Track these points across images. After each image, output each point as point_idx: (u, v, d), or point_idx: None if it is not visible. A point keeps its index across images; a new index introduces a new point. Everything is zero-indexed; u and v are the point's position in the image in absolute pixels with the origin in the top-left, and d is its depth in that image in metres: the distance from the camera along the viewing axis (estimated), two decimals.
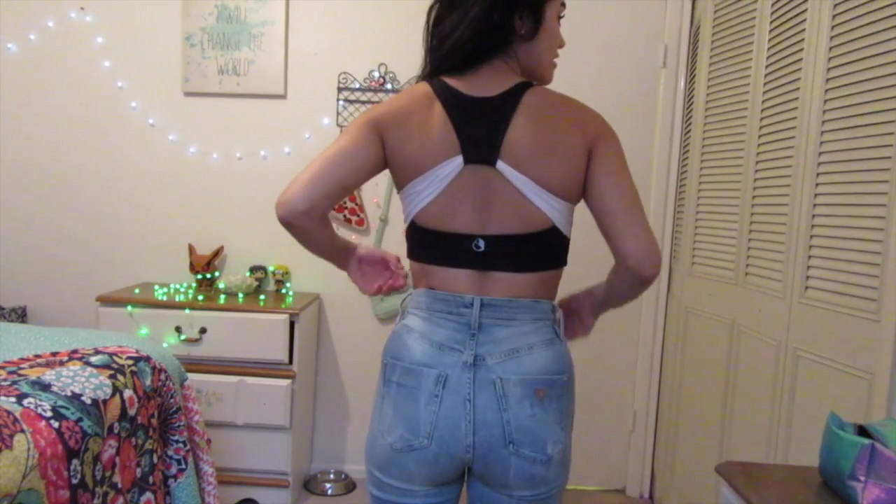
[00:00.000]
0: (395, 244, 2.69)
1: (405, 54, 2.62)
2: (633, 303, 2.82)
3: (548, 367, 1.08)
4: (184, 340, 2.36)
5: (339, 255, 1.21)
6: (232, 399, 2.36)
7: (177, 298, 2.45)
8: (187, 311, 2.38)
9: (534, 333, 1.09)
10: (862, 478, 1.01)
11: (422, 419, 1.07)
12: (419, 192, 1.10)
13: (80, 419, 1.35)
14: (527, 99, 1.07)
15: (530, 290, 1.11)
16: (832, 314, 1.49)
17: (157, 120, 2.73)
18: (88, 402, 1.41)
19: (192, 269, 2.66)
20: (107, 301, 2.40)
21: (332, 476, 2.73)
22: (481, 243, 1.09)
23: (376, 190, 2.70)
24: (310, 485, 2.66)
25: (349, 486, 2.68)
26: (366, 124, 1.10)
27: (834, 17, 1.53)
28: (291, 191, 1.04)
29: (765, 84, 1.85)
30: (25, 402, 1.30)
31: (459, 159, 1.07)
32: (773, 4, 1.83)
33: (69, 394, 1.40)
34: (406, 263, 1.22)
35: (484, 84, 1.09)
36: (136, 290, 2.56)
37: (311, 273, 2.74)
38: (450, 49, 1.09)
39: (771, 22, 1.84)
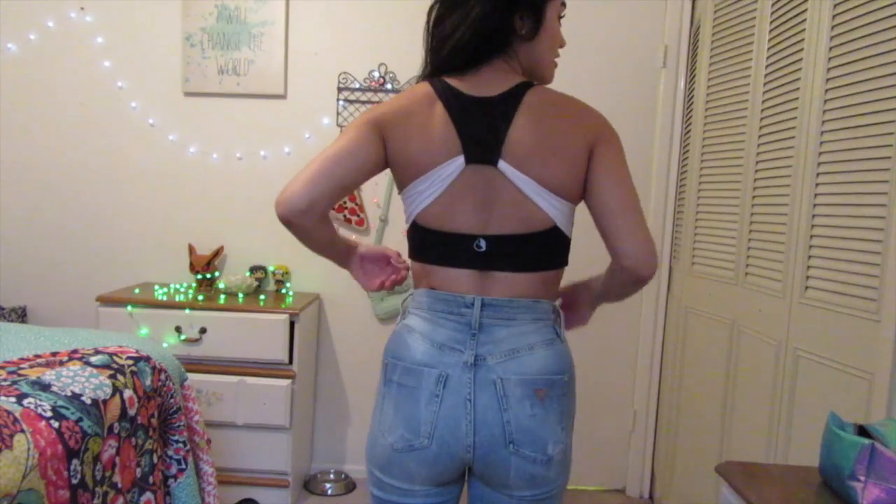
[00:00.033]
0: (395, 244, 2.68)
1: (405, 54, 2.62)
2: (633, 303, 2.83)
3: (548, 367, 1.08)
4: (184, 340, 2.36)
5: (341, 253, 1.21)
6: (232, 399, 2.36)
7: (177, 298, 2.45)
8: (187, 311, 2.38)
9: (534, 333, 1.09)
10: (862, 478, 1.01)
11: (422, 419, 1.07)
12: (421, 192, 1.10)
13: (80, 419, 1.35)
14: (528, 98, 1.07)
15: (531, 290, 1.11)
16: (832, 314, 1.49)
17: (157, 120, 2.73)
18: (88, 402, 1.41)
19: (192, 269, 2.66)
20: (107, 301, 2.40)
21: (332, 476, 2.73)
22: (483, 243, 1.09)
23: (376, 190, 2.70)
24: (310, 485, 2.66)
25: (349, 486, 2.68)
26: (367, 124, 1.10)
27: (834, 17, 1.53)
28: (291, 189, 1.04)
29: (765, 84, 1.85)
30: (25, 402, 1.30)
31: (461, 159, 1.07)
32: (773, 4, 1.83)
33: (69, 394, 1.40)
34: (406, 260, 1.22)
35: (485, 84, 1.09)
36: (136, 290, 2.56)
37: (311, 273, 2.74)
38: (451, 50, 1.09)
39: (771, 22, 1.84)
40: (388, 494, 1.14)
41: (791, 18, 1.72)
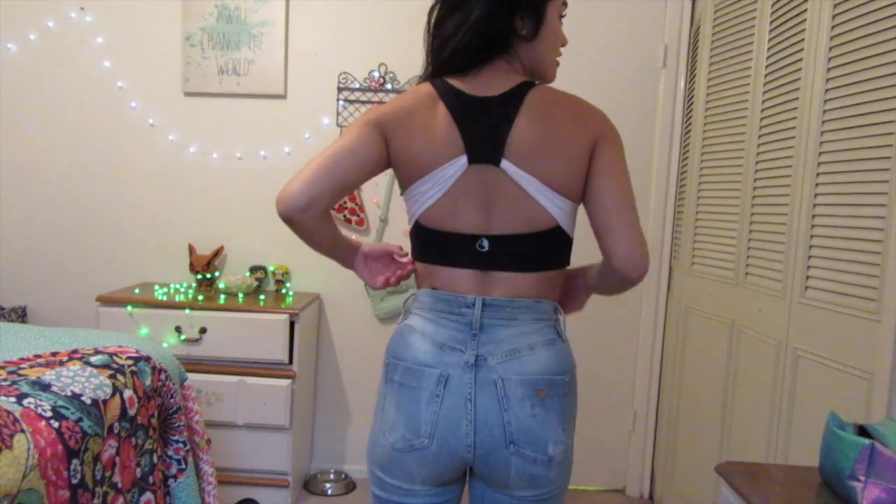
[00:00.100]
0: (395, 244, 2.69)
1: (405, 54, 2.62)
2: (633, 303, 2.83)
3: (549, 367, 1.08)
4: (184, 340, 2.36)
5: (343, 253, 1.21)
6: (232, 399, 2.36)
7: (177, 298, 2.45)
8: (187, 311, 2.38)
9: (535, 333, 1.09)
10: (862, 478, 1.01)
11: (423, 419, 1.07)
12: (424, 192, 1.10)
13: (80, 419, 1.35)
14: (530, 98, 1.07)
15: (532, 290, 1.11)
16: (832, 314, 1.49)
17: (157, 120, 2.73)
18: (88, 402, 1.41)
19: (192, 269, 2.66)
20: (107, 301, 2.40)
21: (332, 476, 2.73)
22: (485, 243, 1.09)
23: (376, 190, 2.70)
24: (310, 485, 2.66)
25: (349, 486, 2.68)
26: (369, 123, 1.10)
27: (834, 17, 1.53)
28: (291, 187, 1.04)
29: (765, 84, 1.85)
30: (25, 402, 1.30)
31: (464, 159, 1.07)
32: (773, 4, 1.83)
33: (69, 394, 1.40)
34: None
35: (486, 84, 1.09)
36: (136, 290, 2.56)
37: (311, 273, 2.74)
38: (452, 51, 1.09)
39: (771, 22, 1.84)
40: (389, 494, 1.14)
41: (791, 18, 1.72)
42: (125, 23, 2.70)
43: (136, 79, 2.72)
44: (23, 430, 1.21)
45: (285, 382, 2.38)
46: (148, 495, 1.60)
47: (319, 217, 1.07)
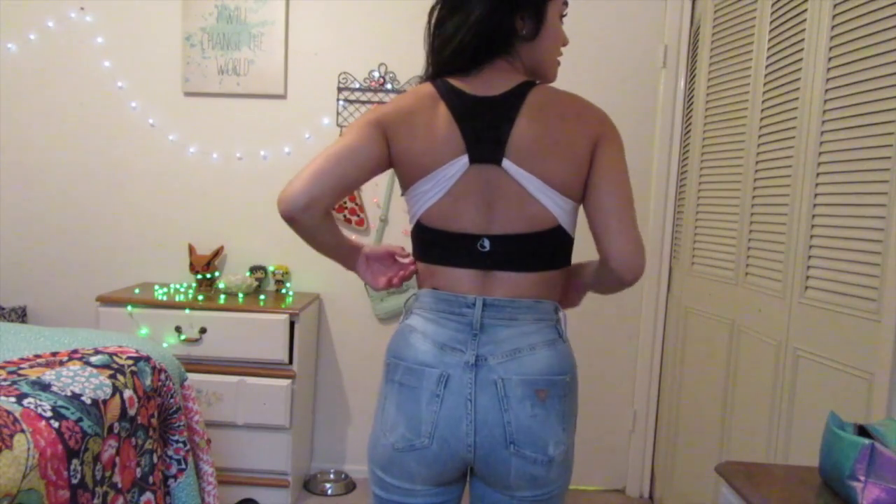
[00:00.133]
0: (395, 244, 2.68)
1: (405, 54, 2.62)
2: (633, 303, 2.83)
3: (550, 367, 1.08)
4: (184, 340, 2.36)
5: (345, 254, 1.21)
6: (232, 399, 2.36)
7: (177, 298, 2.45)
8: (187, 311, 2.38)
9: (536, 334, 1.09)
10: (862, 478, 1.00)
11: (423, 419, 1.07)
12: (425, 192, 1.10)
13: (80, 419, 1.35)
14: (531, 97, 1.07)
15: (533, 290, 1.11)
16: (832, 314, 1.49)
17: (157, 120, 2.73)
18: (88, 402, 1.41)
19: (192, 269, 2.66)
20: (107, 301, 2.40)
21: (332, 476, 2.73)
22: (486, 243, 1.09)
23: (376, 190, 2.70)
24: (310, 485, 2.66)
25: (349, 486, 2.68)
26: (370, 123, 1.10)
27: (834, 17, 1.53)
28: (293, 186, 1.04)
29: (765, 84, 1.85)
30: (25, 402, 1.30)
31: (465, 159, 1.07)
32: (773, 4, 1.83)
33: (69, 394, 1.40)
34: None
35: (487, 84, 1.09)
36: (136, 290, 2.56)
37: (311, 273, 2.74)
38: (452, 52, 1.09)
39: (771, 22, 1.84)
40: (389, 494, 1.14)
41: (791, 18, 1.72)
42: (125, 23, 2.70)
43: (136, 79, 2.72)
44: (23, 430, 1.21)
45: (285, 382, 2.38)
46: (148, 495, 1.60)
47: (321, 217, 1.07)
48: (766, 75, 1.85)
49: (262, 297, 2.59)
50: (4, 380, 1.40)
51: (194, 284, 2.69)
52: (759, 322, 1.81)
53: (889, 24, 1.35)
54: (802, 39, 1.65)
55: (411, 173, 1.11)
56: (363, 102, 2.66)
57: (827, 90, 1.54)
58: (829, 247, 1.51)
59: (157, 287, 2.64)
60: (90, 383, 1.47)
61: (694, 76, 2.39)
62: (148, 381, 1.65)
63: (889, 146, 1.33)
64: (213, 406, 2.35)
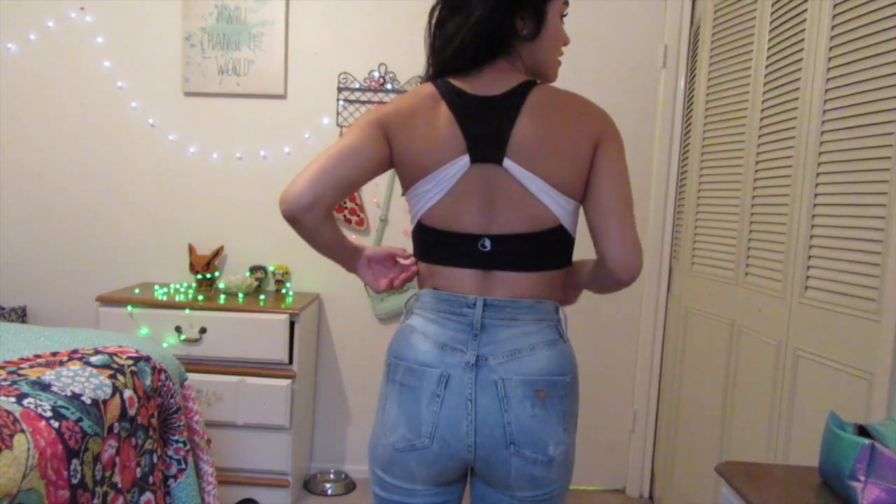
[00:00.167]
0: (395, 244, 2.68)
1: (405, 54, 2.62)
2: (633, 303, 2.82)
3: (550, 367, 1.08)
4: (184, 340, 2.36)
5: (346, 255, 1.21)
6: (232, 399, 2.36)
7: (177, 298, 2.45)
8: (187, 311, 2.38)
9: (536, 334, 1.09)
10: (862, 478, 1.00)
11: (423, 419, 1.08)
12: (426, 192, 1.10)
13: (80, 419, 1.35)
14: (532, 97, 1.07)
15: (534, 290, 1.11)
16: (832, 314, 1.49)
17: (157, 120, 2.73)
18: (88, 402, 1.41)
19: (192, 269, 2.66)
20: (107, 301, 2.40)
21: (332, 476, 2.73)
22: (487, 243, 1.09)
23: (376, 190, 2.70)
24: (310, 485, 2.66)
25: (349, 486, 2.68)
26: (371, 123, 1.10)
27: (834, 17, 1.53)
28: (295, 186, 1.04)
29: (765, 84, 1.85)
30: (25, 402, 1.30)
31: (466, 158, 1.07)
32: (773, 4, 1.83)
33: (69, 394, 1.40)
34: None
35: (488, 83, 1.09)
36: (136, 290, 2.56)
37: (311, 273, 2.74)
38: (453, 52, 1.09)
39: (771, 22, 1.84)
40: (390, 494, 1.14)
41: (791, 18, 1.72)
42: (125, 23, 2.70)
43: (136, 79, 2.72)
44: (23, 430, 1.21)
45: (285, 382, 2.38)
46: (148, 495, 1.60)
47: (322, 217, 1.07)
48: (766, 75, 1.85)
49: (262, 297, 2.59)
50: (4, 380, 1.40)
51: (194, 284, 2.69)
52: (759, 322, 1.81)
53: (889, 24, 1.35)
54: (802, 40, 1.65)
55: (412, 173, 1.11)
56: (363, 102, 2.66)
57: (827, 90, 1.54)
58: (829, 247, 1.51)
59: (157, 287, 2.64)
60: (90, 383, 1.47)
61: (694, 76, 2.39)
62: (148, 381, 1.65)
63: (889, 146, 1.33)
64: (213, 406, 2.35)
